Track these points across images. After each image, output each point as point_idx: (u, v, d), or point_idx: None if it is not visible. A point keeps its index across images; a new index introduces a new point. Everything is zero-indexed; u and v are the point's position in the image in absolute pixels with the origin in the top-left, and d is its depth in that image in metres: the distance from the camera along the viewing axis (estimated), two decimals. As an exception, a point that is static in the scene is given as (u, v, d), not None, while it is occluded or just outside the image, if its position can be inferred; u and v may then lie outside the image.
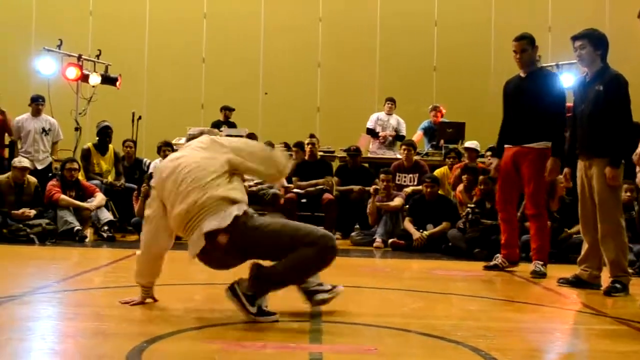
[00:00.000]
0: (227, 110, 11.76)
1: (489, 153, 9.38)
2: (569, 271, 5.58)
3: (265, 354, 2.94)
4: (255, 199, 8.86)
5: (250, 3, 14.02)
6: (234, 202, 3.61)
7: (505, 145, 6.21)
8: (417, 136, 11.12)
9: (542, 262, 5.94)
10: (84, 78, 10.77)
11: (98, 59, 11.33)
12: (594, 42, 5.24)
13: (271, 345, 3.08)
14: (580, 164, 5.33)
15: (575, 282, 5.35)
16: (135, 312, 3.83)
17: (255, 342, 3.09)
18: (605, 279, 5.19)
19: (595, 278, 5.31)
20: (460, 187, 8.62)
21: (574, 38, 5.33)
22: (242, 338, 3.23)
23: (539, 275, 5.84)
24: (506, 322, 4.05)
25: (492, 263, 6.31)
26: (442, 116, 11.19)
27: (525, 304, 4.74)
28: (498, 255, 6.31)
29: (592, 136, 5.17)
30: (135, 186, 9.01)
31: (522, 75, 6.14)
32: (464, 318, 4.08)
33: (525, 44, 6.03)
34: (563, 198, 7.65)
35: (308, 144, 9.25)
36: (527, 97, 6.03)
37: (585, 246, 5.38)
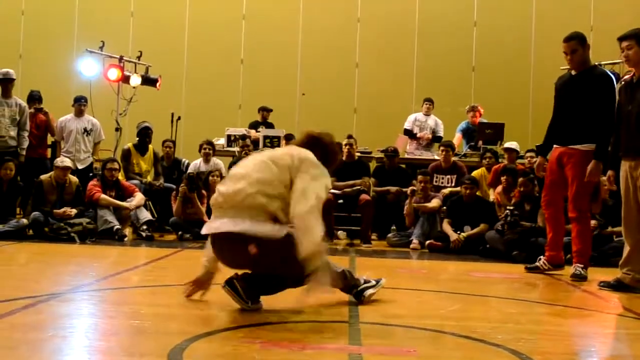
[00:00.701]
0: (264, 111, 11.81)
1: (529, 154, 9.29)
2: (610, 274, 5.50)
3: (305, 355, 2.94)
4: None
5: (288, 4, 14.07)
6: (274, 219, 3.63)
7: (554, 145, 6.11)
8: (457, 139, 11.02)
9: (582, 265, 5.83)
10: (125, 79, 10.91)
11: (139, 60, 11.47)
12: None
13: (310, 346, 3.08)
14: (625, 165, 5.25)
15: (617, 286, 5.27)
16: (174, 311, 3.87)
17: (294, 343, 3.10)
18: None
19: (638, 282, 5.23)
20: (499, 188, 8.54)
21: (621, 38, 5.24)
22: (281, 338, 3.24)
23: (580, 278, 5.75)
24: (547, 325, 4.00)
25: (533, 265, 6.22)
26: (480, 116, 11.07)
27: (566, 307, 4.68)
28: (541, 257, 6.22)
29: (639, 137, 5.09)
30: (174, 186, 9.11)
31: (574, 73, 6.02)
32: (503, 321, 4.03)
33: (575, 44, 5.87)
34: (605, 201, 7.52)
35: (346, 144, 9.23)
36: (575, 97, 5.90)
37: (627, 249, 5.31)
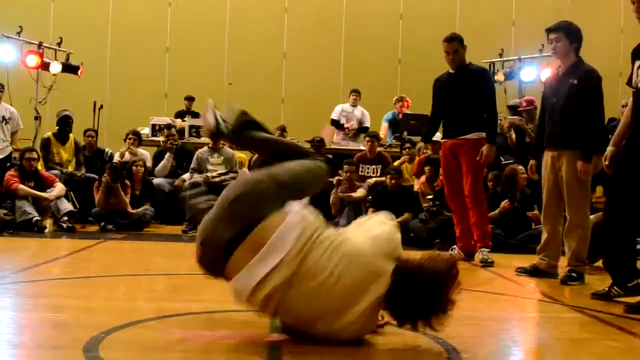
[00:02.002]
0: (188, 100, 11.72)
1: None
2: (527, 261, 5.67)
3: (225, 344, 2.94)
4: (217, 189, 8.82)
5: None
6: None
7: (442, 139, 6.48)
8: (383, 129, 11.15)
9: (487, 249, 6.11)
10: (45, 66, 10.61)
11: (59, 46, 11.17)
12: (570, 35, 5.29)
13: (231, 335, 3.08)
14: (548, 155, 5.39)
15: (533, 272, 5.45)
16: (94, 303, 3.80)
17: (214, 333, 3.09)
18: (562, 268, 5.30)
19: (553, 267, 5.42)
20: (423, 178, 8.69)
21: (549, 30, 5.38)
22: (202, 328, 3.22)
23: (487, 263, 5.98)
24: (465, 310, 4.02)
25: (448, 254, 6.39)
26: (407, 107, 11.22)
27: (484, 292, 4.80)
28: (455, 246, 6.43)
29: (563, 129, 5.23)
30: (96, 176, 8.91)
31: (452, 71, 6.37)
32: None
33: (457, 45, 6.26)
34: (524, 190, 7.74)
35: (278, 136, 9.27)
36: (459, 92, 6.28)
37: (544, 236, 5.49)
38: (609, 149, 4.60)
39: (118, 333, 2.98)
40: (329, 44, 14.00)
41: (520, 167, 7.62)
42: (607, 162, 4.57)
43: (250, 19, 13.82)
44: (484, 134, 6.13)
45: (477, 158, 6.06)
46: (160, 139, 10.05)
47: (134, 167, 8.88)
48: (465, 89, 6.23)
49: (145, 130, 10.48)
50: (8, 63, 10.54)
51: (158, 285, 4.68)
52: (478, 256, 6.10)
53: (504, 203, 7.51)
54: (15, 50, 10.61)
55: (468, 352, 2.85)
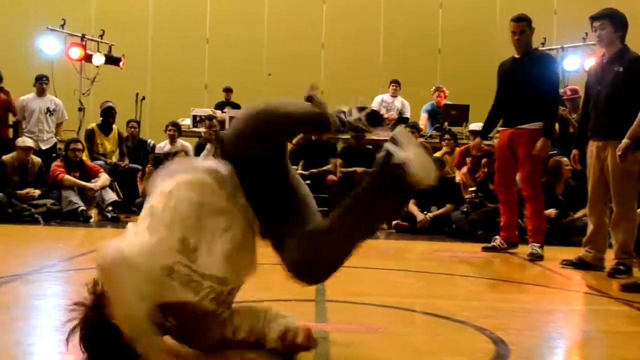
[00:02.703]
0: (227, 91, 11.81)
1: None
2: (572, 253, 5.59)
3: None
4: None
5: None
6: None
7: (501, 128, 6.28)
8: (422, 119, 11.10)
9: (539, 245, 5.95)
10: (88, 58, 10.75)
11: (101, 39, 11.30)
12: (615, 22, 5.19)
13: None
14: (593, 146, 5.28)
15: (579, 264, 5.36)
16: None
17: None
18: (609, 260, 5.20)
19: (599, 260, 5.32)
20: (464, 169, 8.60)
21: (594, 18, 5.27)
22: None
23: (536, 257, 5.86)
24: (510, 302, 4.06)
25: (490, 245, 6.33)
26: (445, 97, 11.13)
27: (530, 285, 4.77)
28: (497, 237, 6.33)
29: (609, 118, 5.11)
30: (139, 167, 9.04)
31: (517, 56, 6.15)
32: (468, 298, 4.09)
33: (524, 25, 6.04)
34: (568, 181, 7.63)
35: (318, 130, 9.29)
36: (521, 79, 6.05)
37: (590, 228, 5.38)
38: None
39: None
40: (367, 34, 13.92)
41: (565, 158, 7.49)
42: None
43: (288, 11, 13.82)
44: (542, 124, 5.90)
45: (532, 152, 5.87)
46: (201, 129, 10.13)
47: (176, 158, 8.97)
48: (529, 75, 5.97)
49: (187, 122, 10.56)
50: (52, 55, 10.70)
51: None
52: (528, 249, 5.96)
53: (551, 212, 7.38)
54: (59, 42, 10.77)
55: (514, 343, 2.82)
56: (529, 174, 5.98)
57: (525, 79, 6.00)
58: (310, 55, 13.84)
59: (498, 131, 7.10)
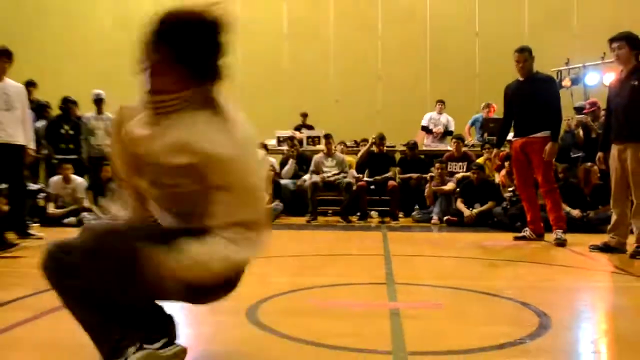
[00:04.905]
0: (302, 115, 11.98)
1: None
2: (598, 239, 5.48)
3: (354, 310, 3.02)
4: (332, 187, 8.96)
5: (321, 29, 14.09)
6: None
7: (513, 138, 6.27)
8: (471, 130, 11.16)
9: (562, 230, 5.88)
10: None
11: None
12: (631, 43, 5.15)
13: (358, 303, 3.17)
14: (615, 149, 5.23)
15: (605, 248, 5.27)
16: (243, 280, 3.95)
17: (342, 300, 3.18)
18: (630, 245, 5.09)
19: (622, 244, 5.24)
20: (503, 172, 8.50)
21: (612, 40, 5.23)
22: (332, 297, 3.31)
23: (561, 242, 5.78)
24: (548, 281, 4.02)
25: (520, 235, 6.29)
26: (494, 112, 10.99)
27: (563, 266, 4.70)
28: (526, 228, 6.27)
29: (627, 125, 5.06)
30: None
31: (521, 79, 6.16)
32: (513, 279, 4.07)
33: (526, 55, 6.09)
34: (595, 184, 7.45)
35: (379, 144, 9.41)
36: (528, 97, 6.04)
37: (614, 217, 5.32)
38: None
39: (268, 303, 3.09)
40: (416, 62, 13.86)
41: (595, 167, 7.35)
42: None
43: (350, 48, 13.90)
44: (549, 133, 5.93)
45: (542, 156, 5.87)
46: (284, 148, 10.30)
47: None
48: (533, 94, 6.01)
49: (272, 142, 10.75)
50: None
51: (290, 265, 4.80)
52: (553, 236, 5.88)
53: (576, 213, 7.25)
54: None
55: (555, 315, 2.81)
56: (543, 174, 5.97)
57: (531, 96, 6.02)
58: (368, 83, 13.90)
59: (509, 141, 7.15)
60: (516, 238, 6.26)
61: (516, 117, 6.19)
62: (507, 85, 6.40)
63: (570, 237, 5.90)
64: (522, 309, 2.97)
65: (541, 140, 5.92)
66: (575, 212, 7.24)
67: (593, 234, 6.51)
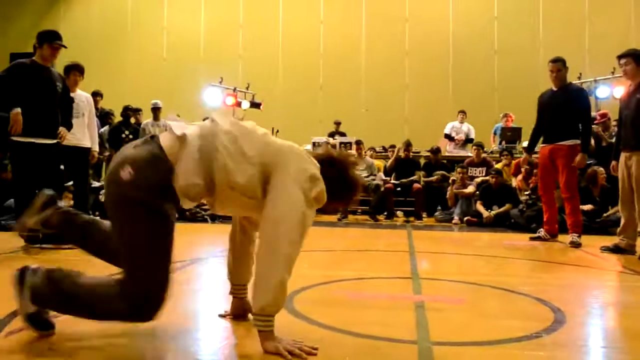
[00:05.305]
0: (336, 123, 11.93)
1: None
2: (609, 241, 5.33)
3: (382, 302, 2.98)
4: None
5: (353, 44, 14.05)
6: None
7: (542, 145, 6.06)
8: (493, 138, 10.98)
9: (577, 234, 5.71)
10: (238, 104, 11.19)
11: (247, 90, 11.71)
12: (638, 60, 5.03)
13: (385, 295, 3.12)
14: (622, 157, 5.11)
15: (615, 250, 5.14)
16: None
17: (370, 292, 3.13)
18: (639, 246, 4.94)
19: (631, 246, 5.11)
20: (520, 176, 8.36)
21: (620, 56, 5.09)
22: (360, 289, 3.27)
23: (576, 244, 5.62)
24: (562, 279, 3.91)
25: (536, 235, 6.13)
26: (512, 121, 10.82)
27: (576, 266, 4.56)
28: (541, 229, 6.12)
29: (634, 135, 4.94)
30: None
31: (555, 89, 5.94)
32: (527, 276, 3.97)
33: (560, 65, 5.87)
34: (603, 185, 7.27)
35: (404, 149, 9.33)
36: (559, 106, 5.83)
37: (622, 220, 5.20)
38: None
39: (303, 293, 3.06)
40: (440, 76, 13.76)
41: (601, 168, 7.16)
42: None
43: (380, 63, 13.87)
44: (578, 141, 5.72)
45: (572, 164, 5.68)
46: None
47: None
48: (564, 104, 5.78)
49: (308, 147, 10.75)
50: (214, 104, 11.20)
51: (322, 259, 4.77)
52: (569, 238, 5.72)
53: (588, 207, 7.03)
54: (219, 94, 11.26)
55: (569, 311, 2.73)
56: (567, 181, 5.77)
57: (562, 106, 5.80)
58: (396, 94, 13.82)
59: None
60: (532, 238, 6.12)
61: (547, 124, 5.97)
62: (541, 94, 6.17)
63: (582, 239, 5.75)
64: (537, 304, 2.89)
65: (568, 147, 5.72)
66: (587, 207, 7.03)
67: (604, 235, 6.36)
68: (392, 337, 2.20)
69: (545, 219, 6.10)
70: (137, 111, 9.63)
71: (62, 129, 5.01)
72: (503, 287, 3.31)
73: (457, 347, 2.14)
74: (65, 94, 5.14)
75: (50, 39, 4.86)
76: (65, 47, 4.96)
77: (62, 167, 5.17)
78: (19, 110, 4.64)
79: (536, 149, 6.44)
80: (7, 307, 2.52)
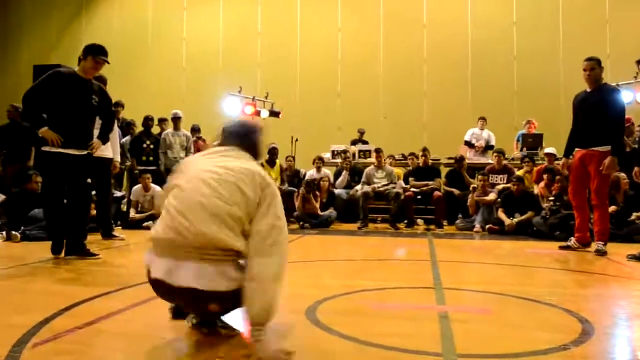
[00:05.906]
0: (360, 132, 11.94)
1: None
2: (634, 249, 5.23)
3: (405, 312, 2.96)
4: (381, 196, 8.89)
5: (370, 52, 14.05)
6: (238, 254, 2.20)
7: (577, 149, 5.86)
8: (515, 145, 10.87)
9: (603, 242, 5.57)
10: (257, 113, 11.25)
11: (266, 99, 11.77)
12: None
13: (408, 305, 3.09)
14: None
15: (642, 258, 5.01)
16: (302, 281, 3.90)
17: (392, 303, 3.11)
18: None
19: (658, 254, 4.95)
20: (542, 184, 8.25)
21: (638, 62, 5.00)
22: (383, 300, 3.25)
23: (601, 253, 5.49)
24: (588, 289, 3.84)
25: (566, 244, 5.99)
26: (535, 128, 10.69)
27: (602, 275, 4.48)
28: (572, 237, 5.98)
29: None
30: (295, 189, 9.31)
31: (589, 90, 5.75)
32: (553, 286, 3.90)
33: (594, 64, 5.64)
34: (626, 191, 7.14)
35: (422, 155, 9.27)
36: (592, 108, 5.62)
37: (649, 228, 5.03)
38: None
39: (325, 304, 3.05)
40: (459, 82, 13.65)
41: (623, 174, 7.04)
42: None
43: (398, 71, 13.82)
44: (609, 147, 5.49)
45: (600, 168, 5.49)
46: (338, 160, 10.28)
47: (321, 182, 9.18)
48: (597, 106, 5.57)
49: (327, 155, 10.77)
50: (233, 113, 11.26)
51: (343, 268, 4.76)
52: (594, 247, 5.61)
53: (612, 209, 6.91)
54: (238, 103, 11.33)
55: (596, 322, 2.68)
56: (597, 188, 5.60)
57: (595, 108, 5.58)
58: (415, 101, 13.76)
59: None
60: (561, 247, 5.98)
61: (581, 127, 5.77)
62: (575, 96, 5.96)
63: (607, 247, 5.63)
64: (564, 315, 2.84)
65: (600, 154, 5.53)
66: (612, 208, 6.86)
67: (630, 243, 6.25)
68: (417, 349, 2.18)
69: (576, 226, 5.92)
70: (163, 121, 9.81)
71: (95, 141, 4.99)
72: (528, 297, 3.26)
73: (483, 359, 2.11)
74: (105, 107, 5.13)
75: (95, 53, 4.84)
76: (108, 62, 4.94)
77: (89, 180, 5.16)
78: (45, 128, 4.68)
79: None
80: (35, 318, 2.55)
